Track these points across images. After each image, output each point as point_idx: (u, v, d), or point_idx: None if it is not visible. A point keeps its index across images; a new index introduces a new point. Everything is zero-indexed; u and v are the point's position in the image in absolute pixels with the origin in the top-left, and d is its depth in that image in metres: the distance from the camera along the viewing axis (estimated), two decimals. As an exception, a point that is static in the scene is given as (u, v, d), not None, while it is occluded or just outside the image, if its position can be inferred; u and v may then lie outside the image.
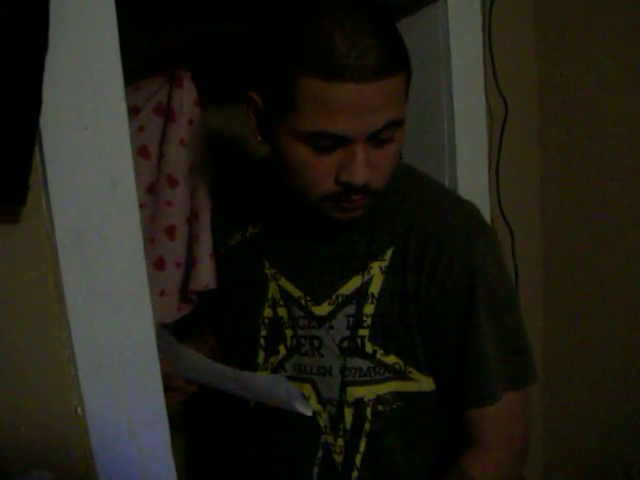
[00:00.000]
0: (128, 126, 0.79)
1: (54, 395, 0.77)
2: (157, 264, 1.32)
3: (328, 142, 0.81)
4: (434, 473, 0.99)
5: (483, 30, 1.30)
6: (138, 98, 1.27)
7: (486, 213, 1.35)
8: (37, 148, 0.72)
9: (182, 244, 1.30)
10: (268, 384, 1.00)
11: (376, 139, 0.83)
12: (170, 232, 1.33)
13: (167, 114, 1.25)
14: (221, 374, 1.04)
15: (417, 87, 1.31)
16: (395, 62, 0.80)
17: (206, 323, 1.34)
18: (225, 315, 1.16)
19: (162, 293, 1.29)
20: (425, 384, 0.96)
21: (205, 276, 1.19)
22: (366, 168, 0.82)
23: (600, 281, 1.39)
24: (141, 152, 1.29)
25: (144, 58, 1.27)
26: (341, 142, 0.81)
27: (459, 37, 1.24)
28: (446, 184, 1.29)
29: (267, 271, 1.05)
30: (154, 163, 1.29)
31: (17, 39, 0.64)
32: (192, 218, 1.29)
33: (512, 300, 0.97)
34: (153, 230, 1.32)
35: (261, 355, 1.05)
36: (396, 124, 0.83)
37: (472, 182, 1.31)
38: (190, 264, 1.25)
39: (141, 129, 1.28)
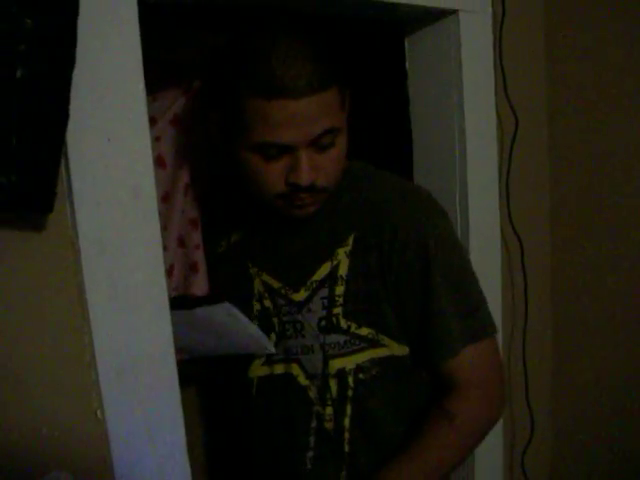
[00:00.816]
0: (149, 138, 0.81)
1: (75, 398, 0.79)
2: (168, 272, 1.34)
3: (275, 151, 0.96)
4: (418, 417, 1.11)
5: (494, 44, 1.32)
6: (155, 109, 1.30)
7: (496, 224, 1.37)
8: (62, 159, 0.74)
9: (189, 251, 1.33)
10: (212, 313, 1.14)
11: (317, 145, 0.97)
12: (180, 240, 1.35)
13: (183, 124, 1.28)
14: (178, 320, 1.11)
15: (428, 100, 1.34)
16: (326, 78, 0.93)
17: None
18: None
19: None
20: (397, 349, 1.09)
21: (206, 282, 1.25)
22: (310, 170, 0.97)
23: (609, 291, 1.40)
24: (157, 162, 1.31)
25: (161, 70, 1.30)
26: (286, 150, 0.96)
27: (470, 51, 1.27)
28: (457, 195, 1.31)
29: (251, 270, 1.17)
30: (169, 173, 1.32)
31: (46, 54, 0.67)
32: (194, 226, 1.32)
33: (464, 267, 1.11)
34: (166, 238, 1.34)
35: None
36: (332, 131, 0.97)
37: (482, 194, 1.33)
38: (190, 270, 1.29)
39: (157, 139, 1.30)
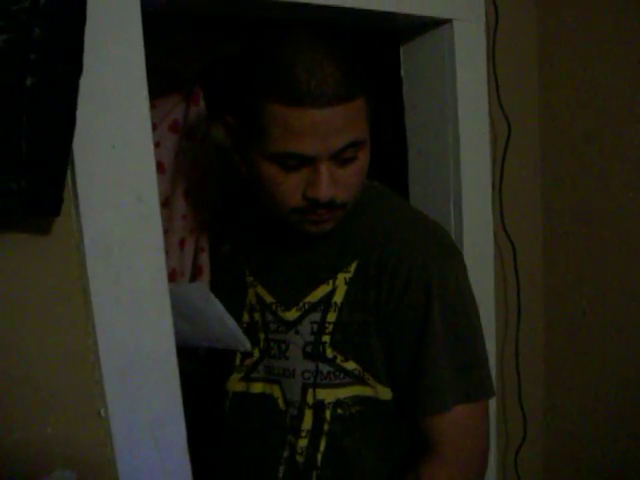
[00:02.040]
0: (152, 144, 0.84)
1: (79, 397, 0.81)
2: (170, 276, 1.36)
3: (294, 162, 0.90)
4: (393, 478, 1.04)
5: (487, 52, 1.34)
6: (154, 115, 1.31)
7: (489, 229, 1.40)
8: (69, 165, 0.76)
9: (190, 255, 1.35)
10: (186, 293, 1.10)
11: (339, 158, 0.91)
12: (182, 244, 1.37)
13: (183, 131, 1.30)
14: None
15: (423, 106, 1.36)
16: (352, 88, 0.88)
17: None
18: None
19: None
20: (381, 392, 1.01)
21: (208, 285, 1.25)
22: (330, 185, 0.90)
23: (601, 295, 1.43)
24: (157, 167, 1.33)
25: (160, 76, 1.32)
26: (306, 161, 0.89)
27: (464, 59, 1.29)
28: (450, 201, 1.33)
29: (247, 278, 1.12)
30: (168, 178, 1.34)
31: (54, 62, 0.69)
32: (198, 230, 1.34)
33: (469, 316, 1.01)
34: (166, 243, 1.36)
35: (238, 357, 1.13)
36: (357, 144, 0.91)
37: (476, 199, 1.35)
38: (195, 273, 1.30)
39: (157, 145, 1.32)
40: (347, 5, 1.08)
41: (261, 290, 1.10)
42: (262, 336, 1.09)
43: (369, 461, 1.03)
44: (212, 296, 1.08)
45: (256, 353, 1.10)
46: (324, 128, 0.86)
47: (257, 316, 1.10)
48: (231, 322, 1.09)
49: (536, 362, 1.56)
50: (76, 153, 0.76)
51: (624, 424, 1.40)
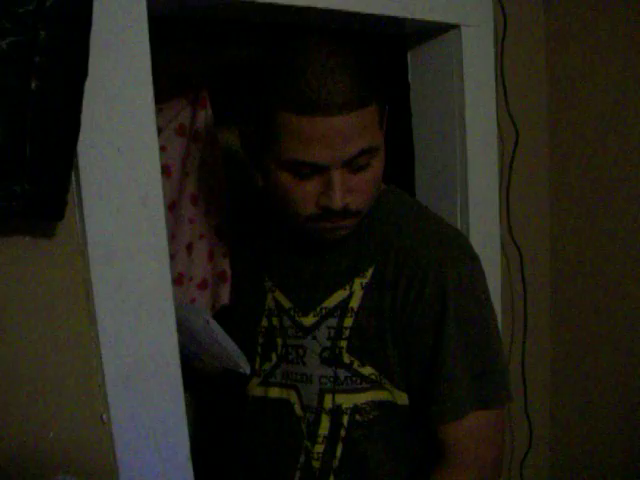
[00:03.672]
0: (158, 148, 0.83)
1: (81, 402, 0.81)
2: (177, 280, 1.36)
3: (307, 169, 0.90)
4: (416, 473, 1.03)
5: (495, 57, 1.34)
6: (160, 119, 1.31)
7: (496, 235, 1.39)
8: (73, 168, 0.76)
9: (198, 260, 1.34)
10: (189, 314, 1.09)
11: (352, 165, 0.91)
12: (189, 249, 1.37)
13: (190, 134, 1.29)
14: None
15: (430, 112, 1.36)
16: (363, 96, 0.87)
17: None
18: (231, 324, 1.22)
19: None
20: (398, 397, 1.01)
21: (230, 292, 1.26)
22: (344, 192, 0.91)
23: (608, 302, 1.42)
24: (163, 171, 1.33)
25: (166, 81, 1.32)
26: (318, 169, 0.90)
27: (472, 64, 1.28)
28: (458, 207, 1.33)
29: (266, 283, 1.13)
30: (175, 182, 1.34)
31: (59, 65, 0.68)
32: (213, 235, 1.34)
33: (486, 322, 1.00)
34: (173, 247, 1.36)
35: (257, 361, 1.13)
36: (370, 151, 0.91)
37: (483, 205, 1.35)
38: (218, 280, 1.30)
39: (163, 149, 1.32)
40: (355, 10, 1.07)
41: (279, 295, 1.10)
42: (280, 341, 1.09)
43: (386, 466, 1.03)
44: (212, 320, 1.08)
45: (274, 357, 1.10)
46: (335, 136, 0.86)
47: (275, 321, 1.10)
48: (231, 346, 1.09)
49: (543, 371, 1.55)
50: (81, 156, 0.76)
51: (633, 434, 1.39)
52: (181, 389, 0.88)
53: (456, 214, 1.33)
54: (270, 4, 0.95)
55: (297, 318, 1.06)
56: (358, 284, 1.01)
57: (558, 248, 1.51)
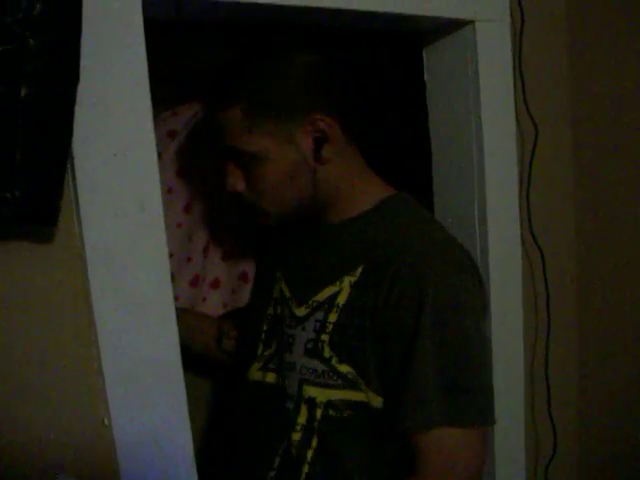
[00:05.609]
0: (156, 152, 0.84)
1: (83, 405, 0.82)
2: (192, 282, 1.37)
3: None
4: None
5: (513, 52, 1.30)
6: (175, 122, 1.33)
7: (516, 235, 1.35)
8: (70, 173, 0.77)
9: (213, 260, 1.36)
10: None
11: (239, 161, 1.04)
12: (205, 251, 1.38)
13: (204, 137, 1.30)
14: None
15: (447, 110, 1.33)
16: (229, 97, 1.00)
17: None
18: (246, 311, 1.32)
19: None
20: (372, 399, 1.00)
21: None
22: (231, 179, 1.06)
23: (635, 305, 1.37)
24: (178, 173, 1.34)
25: (181, 85, 1.33)
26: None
27: (488, 60, 1.25)
28: (475, 207, 1.30)
29: (277, 274, 1.18)
30: (189, 183, 1.35)
31: (49, 72, 0.69)
32: (228, 235, 1.34)
33: (467, 337, 0.97)
34: (190, 249, 1.37)
35: (260, 348, 1.17)
36: (242, 153, 1.01)
37: (502, 204, 1.31)
38: (237, 280, 1.34)
39: (178, 151, 1.33)
40: (369, 9, 1.06)
41: (284, 286, 1.15)
42: (279, 329, 1.13)
43: (362, 465, 1.03)
44: None
45: (274, 345, 1.14)
46: (218, 129, 1.03)
47: (279, 310, 1.15)
48: None
49: (569, 373, 1.51)
50: (77, 161, 0.77)
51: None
52: (183, 391, 0.88)
53: (473, 213, 1.30)
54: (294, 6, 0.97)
55: (293, 308, 1.11)
56: (347, 282, 1.03)
57: (582, 248, 1.46)
